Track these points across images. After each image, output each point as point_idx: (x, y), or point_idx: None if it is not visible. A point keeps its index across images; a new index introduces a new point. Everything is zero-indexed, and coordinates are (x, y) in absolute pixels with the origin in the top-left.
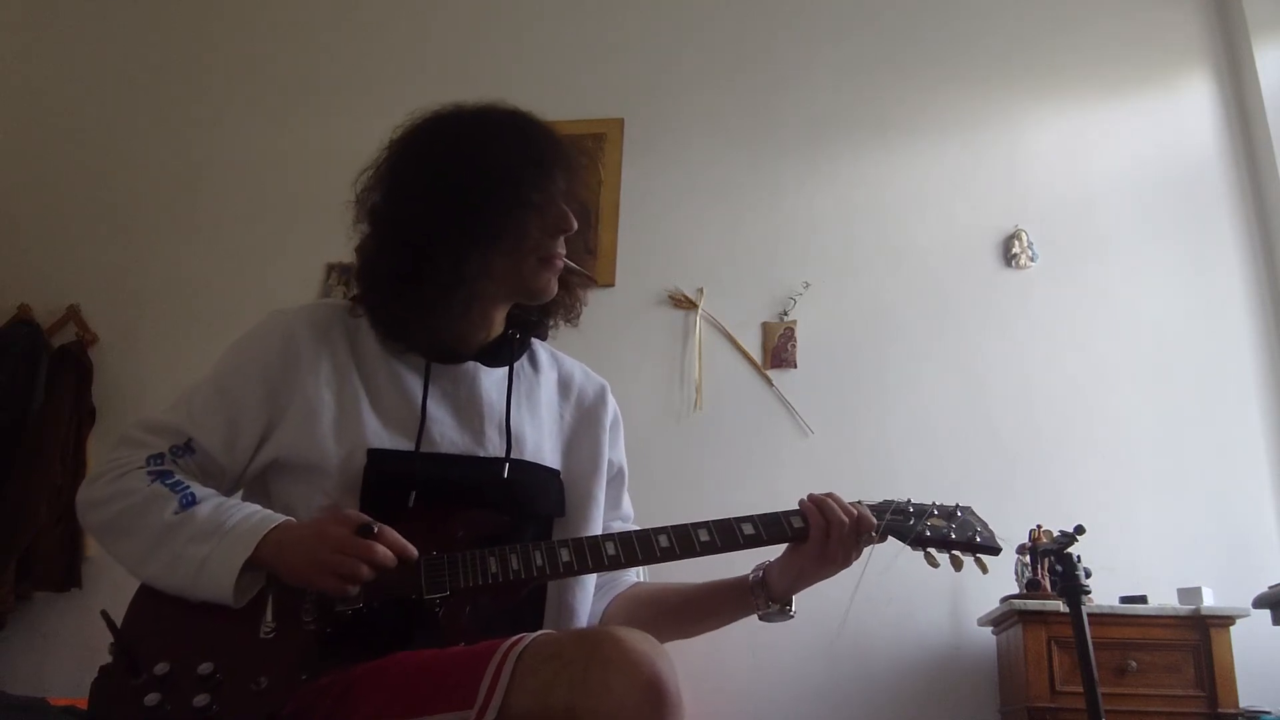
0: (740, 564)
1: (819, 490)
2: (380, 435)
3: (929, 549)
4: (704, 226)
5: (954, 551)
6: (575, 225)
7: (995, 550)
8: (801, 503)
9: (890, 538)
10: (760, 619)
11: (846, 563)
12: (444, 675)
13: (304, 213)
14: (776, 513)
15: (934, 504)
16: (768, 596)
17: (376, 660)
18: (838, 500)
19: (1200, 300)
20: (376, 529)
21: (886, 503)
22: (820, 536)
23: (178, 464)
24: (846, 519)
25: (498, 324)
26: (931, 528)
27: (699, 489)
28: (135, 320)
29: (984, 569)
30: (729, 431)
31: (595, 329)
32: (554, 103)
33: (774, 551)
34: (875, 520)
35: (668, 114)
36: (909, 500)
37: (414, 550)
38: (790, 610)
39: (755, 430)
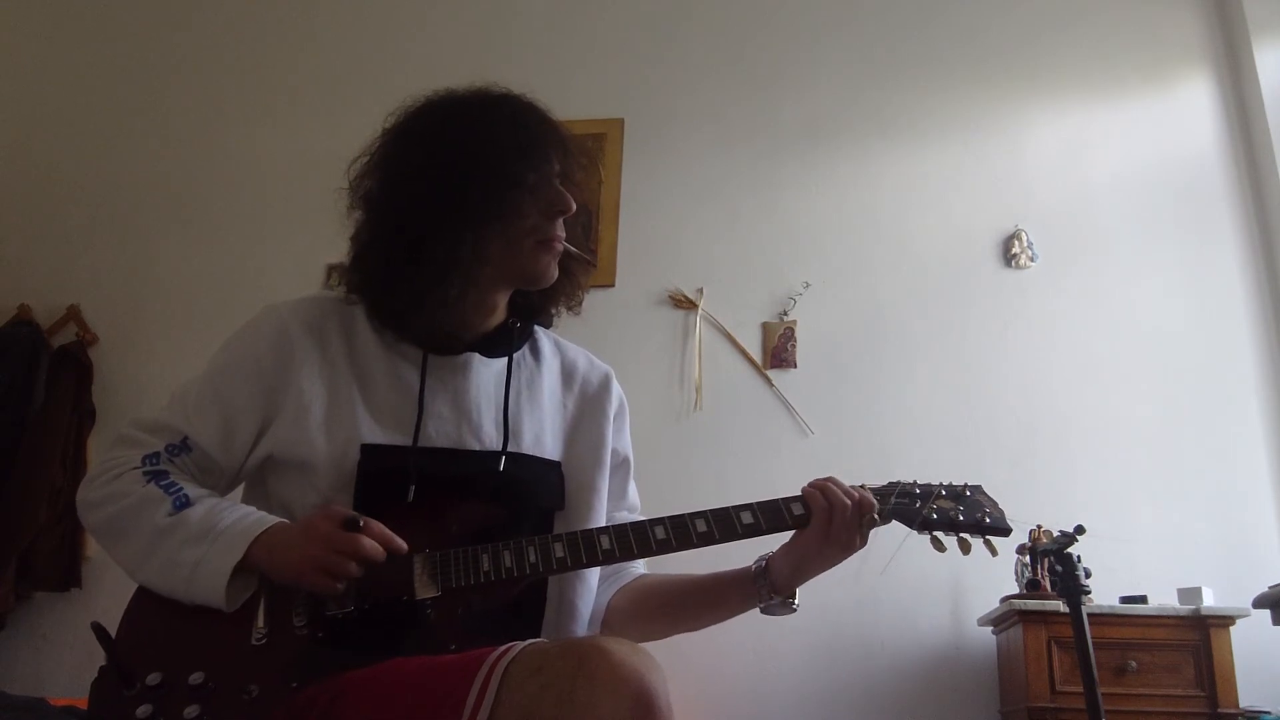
0: (738, 555)
1: None
2: (374, 430)
3: (935, 532)
4: (704, 226)
5: (961, 534)
6: (573, 207)
7: (1004, 531)
8: (804, 489)
9: (895, 521)
10: (762, 611)
11: (850, 548)
12: (431, 687)
13: (304, 213)
14: (775, 500)
15: (941, 484)
16: (770, 587)
17: (366, 669)
18: (838, 483)
19: (1200, 300)
20: (363, 522)
21: (892, 485)
22: (823, 520)
23: (174, 463)
24: (849, 501)
25: (498, 312)
26: (938, 510)
27: (699, 489)
28: (135, 320)
29: (993, 551)
30: (729, 432)
31: (595, 329)
32: (554, 103)
33: (771, 544)
34: (876, 502)
35: (668, 114)
36: (915, 482)
37: (402, 543)
38: (793, 603)
39: (755, 430)
